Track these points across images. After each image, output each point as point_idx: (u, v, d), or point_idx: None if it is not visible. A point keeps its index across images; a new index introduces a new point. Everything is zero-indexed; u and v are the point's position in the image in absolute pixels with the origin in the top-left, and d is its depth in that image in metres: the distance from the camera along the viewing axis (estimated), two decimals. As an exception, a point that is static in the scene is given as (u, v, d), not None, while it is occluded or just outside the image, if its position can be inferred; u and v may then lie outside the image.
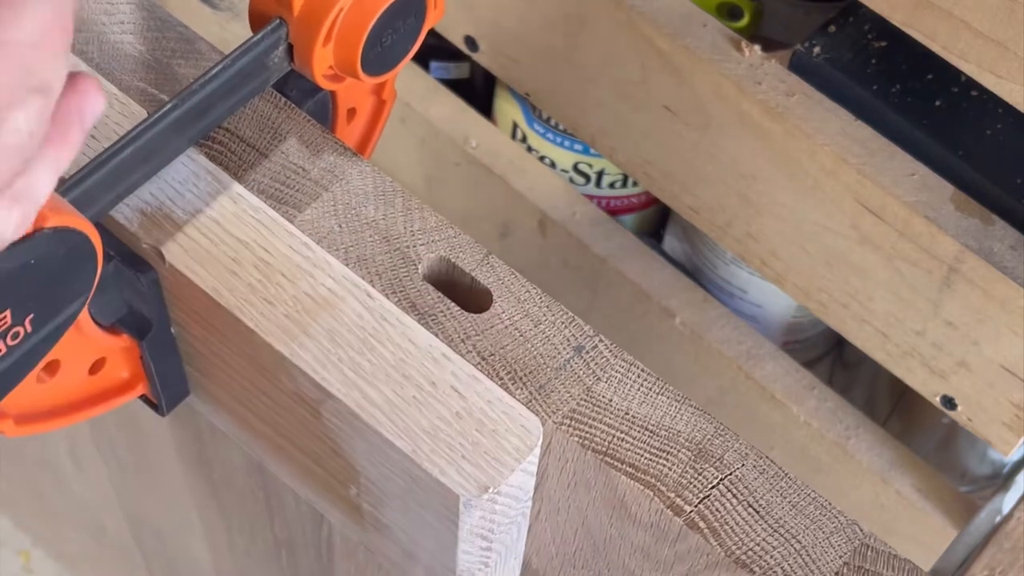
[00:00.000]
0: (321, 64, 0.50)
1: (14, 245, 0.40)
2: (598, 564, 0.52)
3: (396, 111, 0.90)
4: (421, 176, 0.93)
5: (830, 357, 0.95)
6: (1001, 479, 0.84)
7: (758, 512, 0.46)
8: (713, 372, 0.84)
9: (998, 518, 0.73)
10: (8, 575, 1.26)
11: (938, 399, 0.74)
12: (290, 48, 0.50)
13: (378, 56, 0.51)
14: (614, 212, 0.91)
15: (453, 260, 0.49)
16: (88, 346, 0.49)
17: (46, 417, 0.49)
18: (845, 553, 0.46)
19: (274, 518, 0.65)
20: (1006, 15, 0.60)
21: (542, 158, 0.90)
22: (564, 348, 0.48)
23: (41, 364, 0.45)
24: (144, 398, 0.54)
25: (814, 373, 0.83)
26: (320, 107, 0.55)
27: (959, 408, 0.73)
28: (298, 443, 0.51)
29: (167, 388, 0.53)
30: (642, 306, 0.85)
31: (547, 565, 0.54)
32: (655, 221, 0.94)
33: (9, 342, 0.42)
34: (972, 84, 0.70)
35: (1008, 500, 0.76)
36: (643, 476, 0.46)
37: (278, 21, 0.49)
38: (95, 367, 0.50)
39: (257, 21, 0.50)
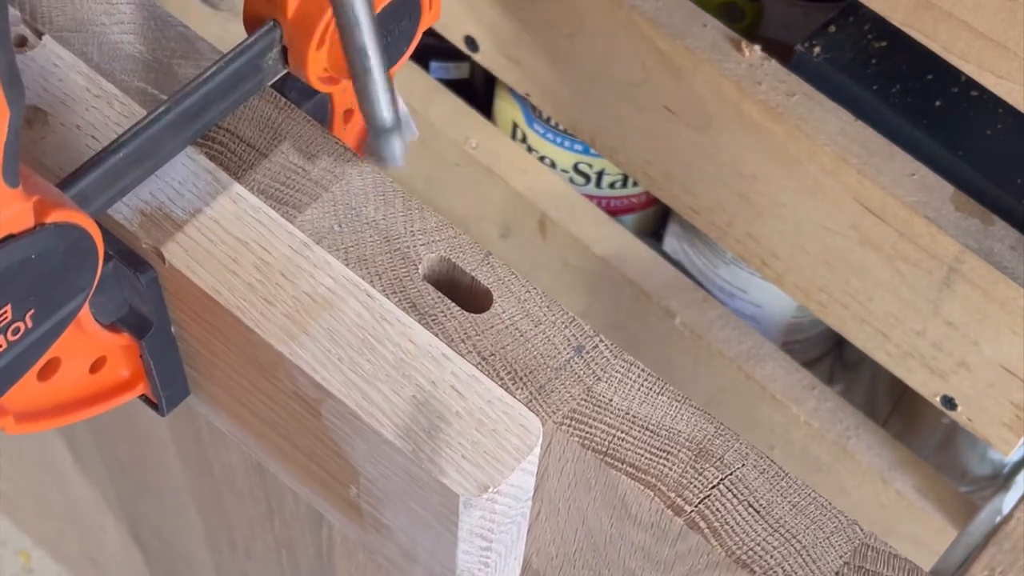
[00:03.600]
0: (315, 67, 0.50)
1: (15, 240, 0.40)
2: (598, 564, 0.52)
3: (396, 111, 0.90)
4: (421, 176, 0.93)
5: (830, 357, 0.95)
6: (1001, 479, 0.84)
7: (758, 512, 0.46)
8: (713, 372, 0.84)
9: (998, 518, 0.73)
10: (8, 575, 1.26)
11: (938, 399, 0.74)
12: (284, 50, 0.50)
13: None
14: (614, 212, 0.91)
15: (453, 260, 0.49)
16: (89, 344, 0.49)
17: (46, 415, 0.49)
18: (845, 553, 0.46)
19: (274, 518, 0.65)
20: (1006, 15, 0.60)
21: (542, 158, 0.90)
22: (564, 348, 0.48)
23: (42, 361, 0.45)
24: (144, 398, 0.54)
25: (814, 373, 0.83)
26: (319, 108, 0.55)
27: (959, 408, 0.73)
28: (298, 443, 0.51)
29: (167, 388, 0.53)
30: (642, 306, 0.85)
31: (547, 565, 0.54)
32: (655, 221, 0.94)
33: (10, 337, 0.42)
34: (972, 84, 0.70)
35: (1008, 500, 0.75)
36: (643, 476, 0.46)
37: (272, 23, 0.49)
38: (95, 366, 0.50)
39: (251, 23, 0.50)
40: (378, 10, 0.49)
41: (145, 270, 0.48)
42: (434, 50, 0.93)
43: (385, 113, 0.47)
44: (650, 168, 0.79)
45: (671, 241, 0.93)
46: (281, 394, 0.49)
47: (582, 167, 0.89)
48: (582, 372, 0.48)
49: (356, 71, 0.46)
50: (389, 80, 0.46)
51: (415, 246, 0.49)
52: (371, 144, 0.48)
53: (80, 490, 0.93)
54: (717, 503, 0.46)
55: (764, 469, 0.47)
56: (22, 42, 0.51)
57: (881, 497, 0.81)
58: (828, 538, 0.46)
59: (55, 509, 1.05)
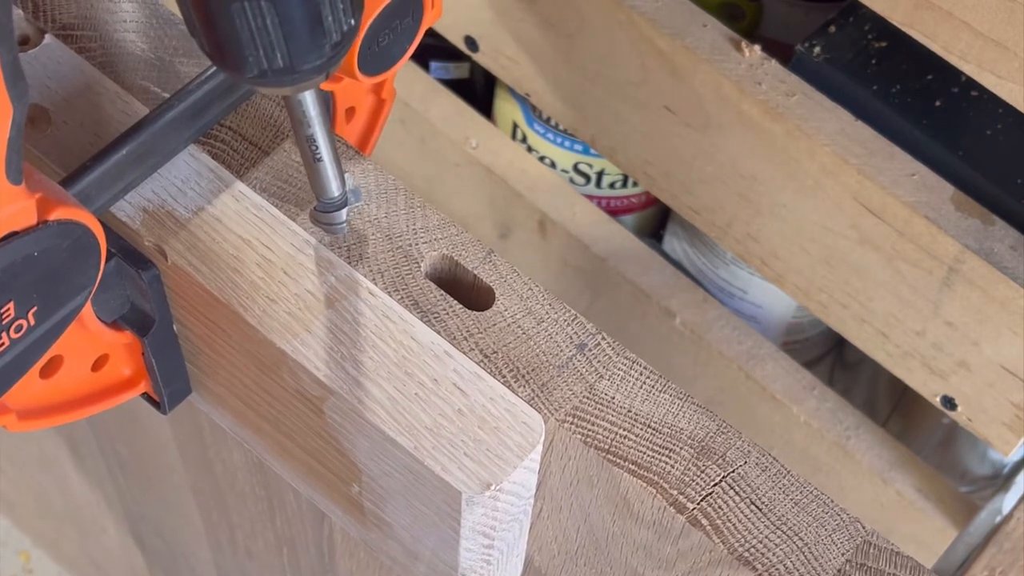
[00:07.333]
0: None
1: (18, 237, 0.40)
2: (600, 562, 0.52)
3: (396, 111, 0.90)
4: (421, 176, 0.93)
5: (830, 357, 0.95)
6: (1001, 479, 0.84)
7: (760, 509, 0.46)
8: (713, 372, 0.84)
9: (998, 518, 0.73)
10: (8, 575, 1.26)
11: (938, 399, 0.74)
12: None
13: (375, 56, 0.51)
14: (614, 212, 0.91)
15: (455, 258, 0.49)
16: (91, 342, 0.49)
17: (48, 413, 0.49)
18: (848, 550, 0.46)
19: (275, 516, 0.65)
20: (1006, 15, 0.60)
21: (542, 158, 0.90)
22: (567, 346, 0.48)
23: (44, 359, 0.45)
24: (146, 396, 0.54)
25: (814, 373, 0.83)
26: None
27: (959, 408, 0.73)
28: (300, 441, 0.51)
29: (169, 386, 0.53)
30: (642, 306, 0.85)
31: (549, 563, 0.54)
32: (655, 221, 0.95)
33: (12, 335, 0.42)
34: (972, 84, 0.70)
35: (1008, 500, 0.75)
36: (645, 473, 0.46)
37: None
38: (98, 364, 0.50)
39: None
40: (381, 8, 0.49)
41: (147, 268, 0.48)
42: (434, 50, 0.93)
43: (335, 191, 0.49)
44: (650, 168, 0.79)
45: (671, 241, 0.93)
46: (283, 392, 0.49)
47: (582, 167, 0.89)
48: (584, 370, 0.48)
49: (307, 158, 0.48)
50: (337, 160, 0.48)
51: (417, 244, 0.50)
52: (319, 216, 0.49)
53: (80, 490, 0.93)
54: (719, 500, 0.46)
55: (766, 467, 0.47)
56: (25, 40, 0.51)
57: (881, 497, 0.81)
58: (830, 535, 0.46)
59: (55, 509, 1.05)
